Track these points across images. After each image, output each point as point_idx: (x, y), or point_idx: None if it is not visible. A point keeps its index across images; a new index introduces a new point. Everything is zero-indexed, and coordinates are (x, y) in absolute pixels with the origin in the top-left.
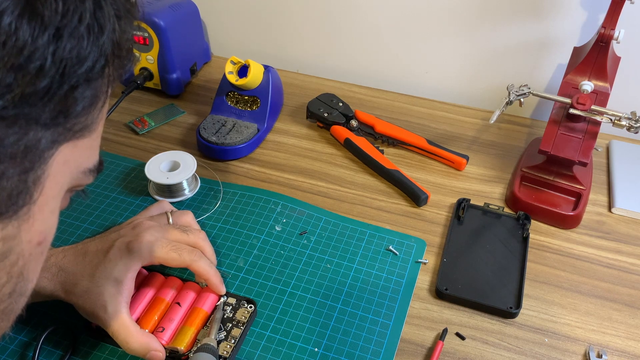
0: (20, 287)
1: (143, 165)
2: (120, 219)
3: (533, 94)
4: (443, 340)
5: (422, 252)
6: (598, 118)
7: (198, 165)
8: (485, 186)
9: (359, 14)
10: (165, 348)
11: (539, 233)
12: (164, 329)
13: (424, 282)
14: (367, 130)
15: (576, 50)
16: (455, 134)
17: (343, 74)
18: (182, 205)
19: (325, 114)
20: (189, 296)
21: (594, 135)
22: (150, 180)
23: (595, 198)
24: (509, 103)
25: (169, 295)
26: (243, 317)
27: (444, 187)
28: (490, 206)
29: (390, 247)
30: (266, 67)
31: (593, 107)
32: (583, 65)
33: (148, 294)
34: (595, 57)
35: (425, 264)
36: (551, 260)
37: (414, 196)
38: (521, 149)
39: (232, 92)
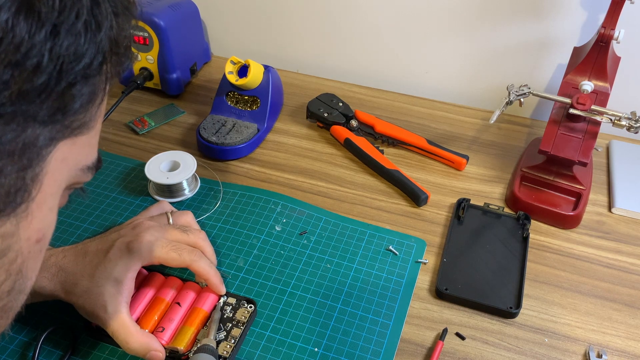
0: (19, 285)
1: (143, 165)
2: (120, 219)
3: (533, 94)
4: (443, 340)
5: (422, 252)
6: (598, 118)
7: (198, 165)
8: (485, 186)
9: (359, 14)
10: (165, 348)
11: (539, 233)
12: (164, 329)
13: (424, 282)
14: (367, 130)
15: (576, 50)
16: (455, 134)
17: (343, 74)
18: (182, 205)
19: (325, 114)
20: (189, 296)
21: (594, 135)
22: (150, 180)
23: (595, 198)
24: (509, 103)
25: (169, 295)
26: (243, 317)
27: (444, 187)
28: (490, 206)
29: (390, 247)
30: (266, 67)
31: (593, 107)
32: (583, 65)
33: (148, 294)
34: (595, 57)
35: (425, 264)
36: (551, 260)
37: (414, 196)
38: (521, 149)
39: (232, 92)
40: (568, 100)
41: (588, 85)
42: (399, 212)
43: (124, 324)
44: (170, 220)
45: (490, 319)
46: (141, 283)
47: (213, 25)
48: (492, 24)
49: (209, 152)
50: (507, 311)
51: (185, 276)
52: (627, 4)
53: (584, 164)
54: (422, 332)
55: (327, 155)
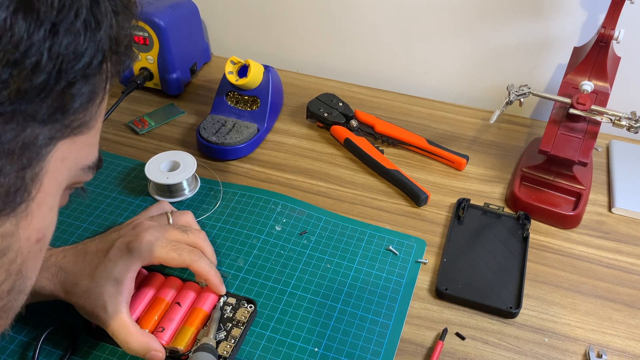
0: (19, 285)
1: (143, 165)
2: (120, 219)
3: (533, 94)
4: (443, 340)
5: (422, 252)
6: (598, 118)
7: (198, 165)
8: (485, 186)
9: (359, 14)
10: (165, 348)
11: (539, 233)
12: (164, 329)
13: (424, 282)
14: (367, 130)
15: (576, 50)
16: (455, 134)
17: (343, 74)
18: (182, 205)
19: (325, 114)
20: (189, 296)
21: (594, 135)
22: (150, 180)
23: (595, 198)
24: (509, 103)
25: (169, 295)
26: (243, 317)
27: (444, 187)
28: (490, 206)
29: (390, 247)
30: (266, 67)
31: (593, 107)
32: (583, 65)
33: (148, 294)
34: (595, 57)
35: (425, 264)
36: (551, 260)
37: (414, 196)
38: (521, 149)
39: (232, 92)
40: (568, 100)
41: (588, 85)
42: (399, 212)
43: (124, 324)
44: (170, 220)
45: (490, 319)
46: (141, 283)
47: (213, 25)
48: (492, 24)
49: (209, 152)
50: (507, 311)
51: (185, 276)
52: (627, 4)
53: (584, 164)
54: (422, 332)
55: (327, 155)
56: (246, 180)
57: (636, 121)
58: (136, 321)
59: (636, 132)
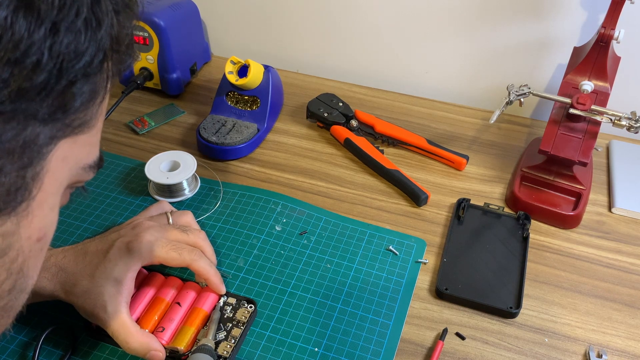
0: (20, 284)
1: (143, 165)
2: (120, 219)
3: (533, 94)
4: (443, 340)
5: (422, 252)
6: (598, 118)
7: (198, 165)
8: (485, 186)
9: (359, 14)
10: (165, 348)
11: (539, 233)
12: (164, 329)
13: (424, 282)
14: (367, 130)
15: (576, 50)
16: (455, 134)
17: (343, 74)
18: (182, 205)
19: (325, 114)
20: (189, 296)
21: (594, 135)
22: (150, 180)
23: (595, 198)
24: (509, 103)
25: (169, 295)
26: (243, 317)
27: (444, 187)
28: (490, 206)
29: (390, 247)
30: (266, 67)
31: (593, 107)
32: (583, 65)
33: (148, 293)
34: (595, 57)
35: (425, 264)
36: (551, 260)
37: (414, 196)
38: (521, 149)
39: (232, 92)
40: (568, 100)
41: (588, 85)
42: (399, 212)
43: (124, 324)
44: (170, 220)
45: (490, 319)
46: (141, 283)
47: (213, 25)
48: (492, 24)
49: (209, 152)
50: (507, 311)
51: (185, 276)
52: (627, 4)
53: (584, 164)
54: (422, 332)
55: (327, 155)
56: (246, 180)
57: (636, 121)
58: (136, 321)
59: (636, 132)
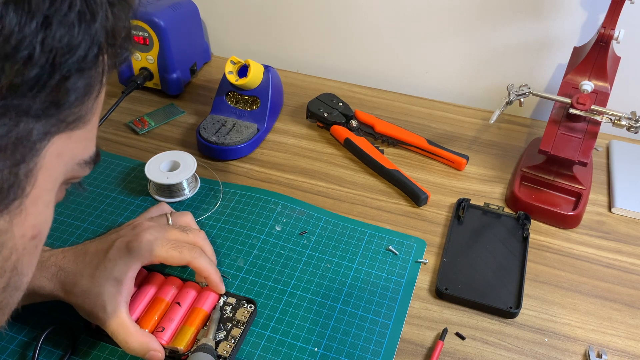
0: (14, 282)
1: (143, 165)
2: (120, 219)
3: (533, 94)
4: (443, 340)
5: (422, 252)
6: (598, 118)
7: (198, 165)
8: (485, 186)
9: (359, 14)
10: (165, 348)
11: (539, 233)
12: (164, 329)
13: (424, 282)
14: (367, 130)
15: (576, 50)
16: (455, 134)
17: (343, 74)
18: (182, 206)
19: (325, 114)
20: (189, 296)
21: (594, 135)
22: (150, 180)
23: (595, 198)
24: (509, 103)
25: (169, 295)
26: (243, 317)
27: (444, 187)
28: (490, 206)
29: (390, 247)
30: (266, 67)
31: (593, 107)
32: (583, 65)
33: (148, 293)
34: (595, 57)
35: (425, 263)
36: (551, 260)
37: (414, 196)
38: (521, 149)
39: (232, 92)
40: (568, 100)
41: (588, 85)
42: (399, 212)
43: (123, 324)
44: (170, 221)
45: (490, 319)
46: (141, 283)
47: (213, 25)
48: (492, 24)
49: (209, 152)
50: (507, 311)
51: (185, 276)
52: (627, 4)
53: (584, 164)
54: (422, 332)
55: (327, 155)
56: (246, 180)
57: (636, 121)
58: (136, 321)
59: (636, 132)
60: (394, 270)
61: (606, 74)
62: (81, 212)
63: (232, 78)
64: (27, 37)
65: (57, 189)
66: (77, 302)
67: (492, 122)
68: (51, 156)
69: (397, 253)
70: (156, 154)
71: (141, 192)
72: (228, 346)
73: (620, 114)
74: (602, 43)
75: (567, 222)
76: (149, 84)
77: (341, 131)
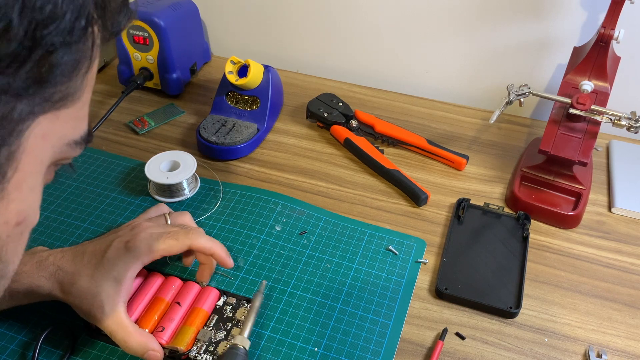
0: None
1: (143, 165)
2: (120, 219)
3: (533, 94)
4: (443, 340)
5: (422, 252)
6: (598, 118)
7: (198, 165)
8: (485, 186)
9: (359, 14)
10: (165, 348)
11: (539, 233)
12: (164, 329)
13: (424, 282)
14: (367, 130)
15: (576, 50)
16: (455, 134)
17: (343, 74)
18: (182, 205)
19: (325, 114)
20: (189, 296)
21: (594, 135)
22: (150, 180)
23: (595, 198)
24: (509, 103)
25: (169, 294)
26: (243, 317)
27: (444, 187)
28: (490, 206)
29: (390, 247)
30: (266, 67)
31: (593, 107)
32: (583, 65)
33: (148, 293)
34: (595, 57)
35: (425, 263)
36: (551, 260)
37: (414, 196)
38: (521, 149)
39: (232, 92)
40: (568, 100)
41: (588, 85)
42: (399, 212)
43: (122, 324)
44: (169, 221)
45: (490, 318)
46: (141, 283)
47: (213, 25)
48: (492, 24)
49: (209, 152)
50: (507, 311)
51: (185, 276)
52: (627, 4)
53: (584, 164)
54: (422, 332)
55: (327, 155)
56: (246, 180)
57: (636, 121)
58: (136, 321)
59: (636, 132)
60: (394, 270)
61: (606, 74)
62: (81, 212)
63: (232, 78)
64: (2, 7)
65: (44, 171)
66: (75, 302)
67: (492, 122)
68: (36, 137)
69: (397, 253)
70: (156, 154)
71: (141, 192)
72: (228, 346)
73: (620, 114)
74: (602, 43)
75: (567, 222)
76: (149, 84)
77: (341, 131)
